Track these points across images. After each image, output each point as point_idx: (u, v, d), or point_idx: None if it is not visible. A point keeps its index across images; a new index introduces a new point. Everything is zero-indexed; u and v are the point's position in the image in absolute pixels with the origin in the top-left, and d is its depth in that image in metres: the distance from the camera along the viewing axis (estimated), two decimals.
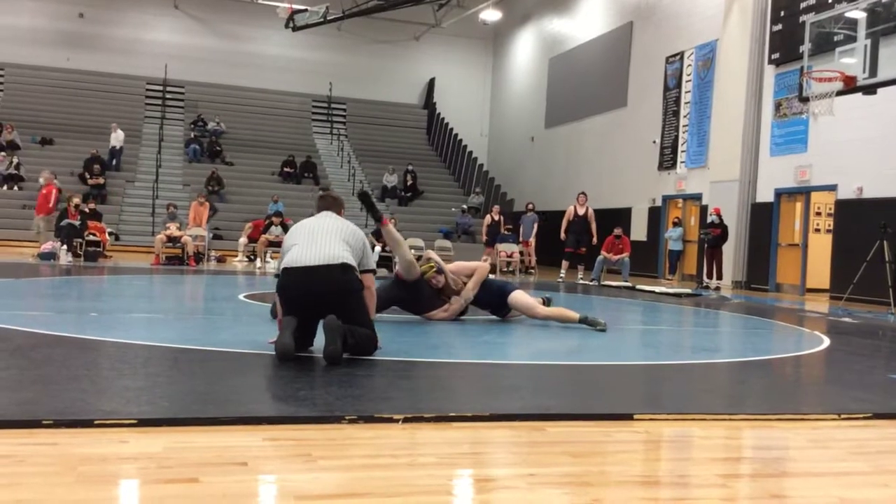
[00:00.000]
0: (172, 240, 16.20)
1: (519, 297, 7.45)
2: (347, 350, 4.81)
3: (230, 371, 4.47)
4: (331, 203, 5.56)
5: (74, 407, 3.42)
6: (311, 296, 4.95)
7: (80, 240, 15.85)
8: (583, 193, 17.54)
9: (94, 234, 16.18)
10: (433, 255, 7.56)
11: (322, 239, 5.08)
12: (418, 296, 7.28)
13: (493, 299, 7.54)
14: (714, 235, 16.26)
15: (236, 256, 18.09)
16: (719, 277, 16.26)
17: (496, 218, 19.75)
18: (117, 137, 24.14)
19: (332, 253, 5.02)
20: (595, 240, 17.04)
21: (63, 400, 3.54)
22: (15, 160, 22.61)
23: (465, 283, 7.39)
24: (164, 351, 5.08)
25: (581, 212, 17.15)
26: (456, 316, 7.37)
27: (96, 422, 3.17)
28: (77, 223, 16.03)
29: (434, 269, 7.30)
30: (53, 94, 26.75)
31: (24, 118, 25.05)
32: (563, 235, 17.29)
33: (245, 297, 9.16)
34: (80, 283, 10.86)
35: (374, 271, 5.48)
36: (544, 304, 7.72)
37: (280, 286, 5.07)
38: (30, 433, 3.03)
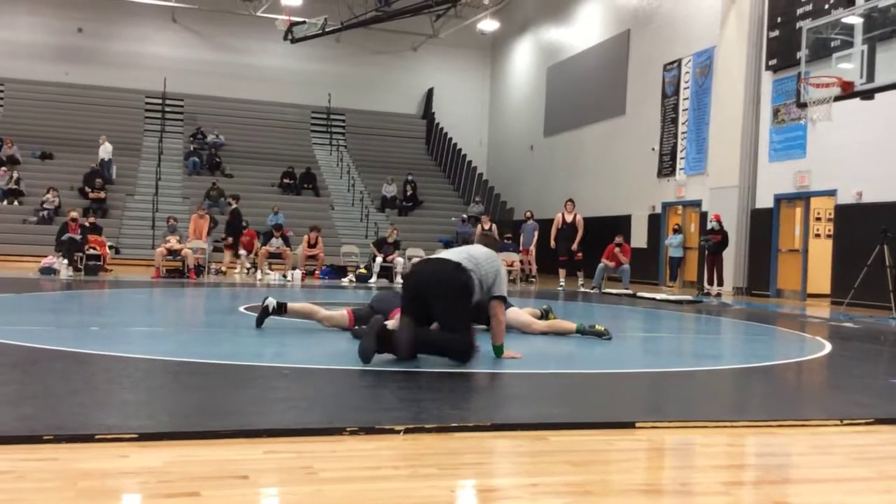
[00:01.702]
0: (173, 253, 16.19)
1: (513, 314, 7.32)
2: (388, 351, 5.09)
3: (230, 384, 4.47)
4: (489, 241, 6.00)
5: (75, 421, 3.41)
6: (421, 278, 5.39)
7: (80, 254, 15.85)
8: (570, 201, 17.53)
9: (94, 248, 16.17)
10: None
11: (459, 251, 5.63)
12: None
13: (487, 316, 7.45)
14: (715, 242, 16.26)
15: (236, 268, 18.09)
16: (720, 284, 16.25)
17: (486, 227, 19.68)
18: (106, 150, 24.14)
19: (456, 257, 5.47)
20: (575, 246, 16.94)
21: (63, 415, 3.54)
22: (15, 175, 22.64)
23: None
24: (164, 364, 5.07)
25: (569, 219, 17.14)
26: None
27: (97, 436, 3.16)
28: (77, 237, 16.04)
29: None
30: (53, 109, 26.79)
31: (23, 133, 25.09)
32: (552, 243, 17.29)
33: (245, 308, 9.15)
34: (80, 298, 10.86)
35: (503, 299, 5.65)
36: (543, 315, 7.67)
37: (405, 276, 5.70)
38: (30, 448, 3.03)
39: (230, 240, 17.88)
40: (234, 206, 18.64)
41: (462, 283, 5.30)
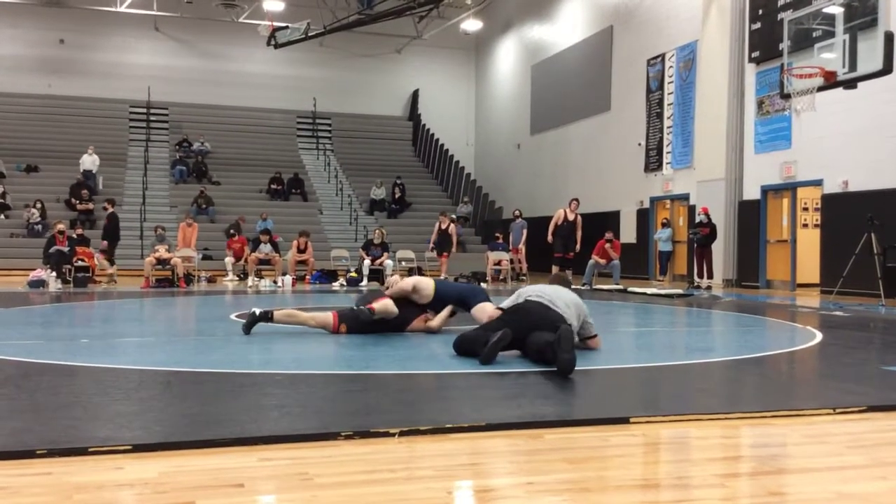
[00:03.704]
0: (162, 262, 16.13)
1: (478, 313, 7.19)
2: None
3: (223, 392, 4.45)
4: (563, 281, 6.54)
5: (68, 435, 3.39)
6: (530, 320, 5.64)
7: (68, 266, 15.76)
8: (575, 200, 17.55)
9: (82, 260, 16.09)
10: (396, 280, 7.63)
11: (557, 295, 5.97)
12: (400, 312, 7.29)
13: (458, 303, 7.45)
14: (703, 234, 16.32)
15: (226, 276, 18.04)
16: (710, 276, 16.31)
17: (443, 226, 19.47)
18: (93, 161, 24.00)
19: (563, 309, 5.81)
20: (579, 247, 17.02)
21: (56, 428, 3.51)
22: (0, 189, 22.50)
23: (410, 296, 7.32)
24: (156, 374, 5.05)
25: (571, 217, 17.17)
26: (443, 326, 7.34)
27: (90, 449, 3.14)
28: (65, 249, 15.95)
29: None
30: (37, 121, 26.65)
31: (7, 146, 24.95)
32: (549, 238, 17.30)
33: (236, 316, 9.12)
34: (70, 310, 10.80)
35: (596, 336, 6.24)
36: None
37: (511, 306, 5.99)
38: (23, 463, 3.01)
39: (106, 244, 17.47)
40: (111, 210, 18.31)
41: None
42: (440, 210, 21.67)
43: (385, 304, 7.04)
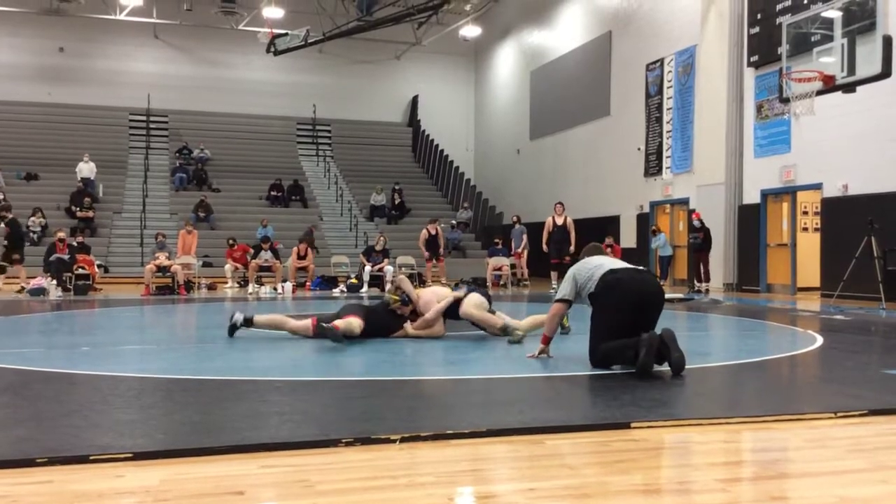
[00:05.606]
0: (162, 269, 16.13)
1: (469, 310, 7.35)
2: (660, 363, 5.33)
3: (224, 399, 4.45)
4: (598, 249, 6.34)
5: (68, 443, 3.39)
6: (643, 294, 5.54)
7: (69, 274, 15.77)
8: (559, 203, 17.60)
9: (83, 268, 16.10)
10: (405, 283, 7.60)
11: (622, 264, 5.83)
12: (382, 319, 7.40)
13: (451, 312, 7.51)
14: (700, 239, 16.38)
15: (227, 283, 18.04)
16: (707, 280, 16.32)
17: (433, 232, 19.30)
18: (90, 168, 24.02)
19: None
20: (573, 248, 17.02)
21: (57, 436, 3.51)
22: (0, 196, 22.50)
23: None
24: (157, 382, 5.05)
25: (560, 221, 17.19)
26: (431, 334, 7.38)
27: (91, 457, 3.14)
28: (66, 257, 15.95)
29: (399, 301, 7.40)
30: (36, 129, 26.66)
31: (7, 154, 24.95)
32: (544, 247, 17.33)
33: None
34: (70, 318, 10.80)
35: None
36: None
37: (608, 286, 5.54)
38: (24, 472, 3.01)
39: (12, 255, 17.03)
40: (10, 216, 18.03)
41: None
42: (434, 217, 21.37)
43: (349, 323, 6.92)
